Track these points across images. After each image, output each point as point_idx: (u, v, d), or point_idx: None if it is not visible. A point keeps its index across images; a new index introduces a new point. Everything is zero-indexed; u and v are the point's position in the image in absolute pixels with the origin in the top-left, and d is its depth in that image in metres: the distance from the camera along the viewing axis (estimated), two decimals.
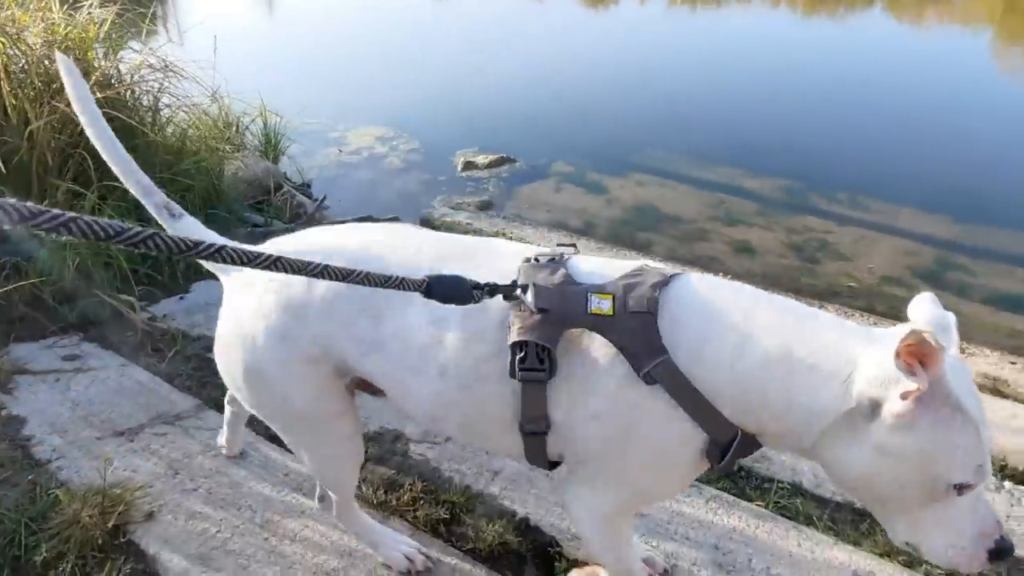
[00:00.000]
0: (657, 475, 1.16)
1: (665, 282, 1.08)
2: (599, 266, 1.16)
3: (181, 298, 2.88)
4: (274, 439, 1.99)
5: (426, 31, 10.24)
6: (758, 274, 3.80)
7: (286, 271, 0.82)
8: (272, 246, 1.26)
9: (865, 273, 3.84)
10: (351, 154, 5.50)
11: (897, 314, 3.41)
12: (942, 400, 0.93)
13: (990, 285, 3.74)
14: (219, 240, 1.24)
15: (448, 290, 1.00)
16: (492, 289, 1.04)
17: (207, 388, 2.25)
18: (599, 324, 1.06)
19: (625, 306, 1.05)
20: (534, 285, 1.07)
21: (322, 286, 1.18)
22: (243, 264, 0.79)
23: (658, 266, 1.16)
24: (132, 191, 1.30)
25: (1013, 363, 2.91)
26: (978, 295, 3.65)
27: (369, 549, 1.60)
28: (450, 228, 4.08)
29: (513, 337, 1.07)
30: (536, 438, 1.14)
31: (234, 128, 4.49)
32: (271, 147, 4.70)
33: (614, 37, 10.40)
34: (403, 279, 0.95)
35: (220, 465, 1.88)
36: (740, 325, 1.04)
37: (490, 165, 5.24)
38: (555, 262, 1.13)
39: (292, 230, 3.62)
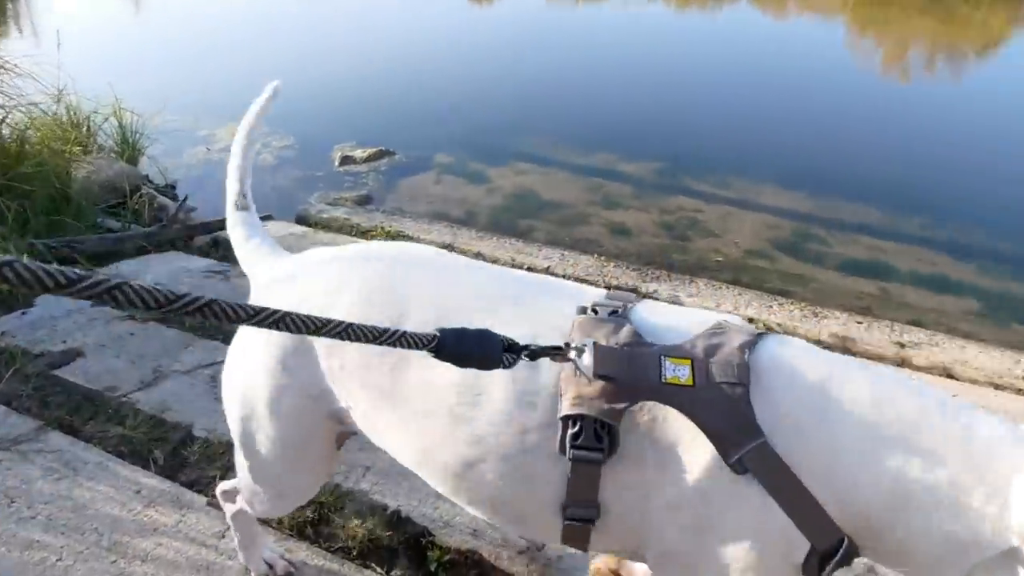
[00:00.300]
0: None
1: (753, 343, 0.89)
2: (670, 319, 0.96)
3: (23, 313, 2.64)
4: (124, 456, 1.87)
5: (298, 24, 9.90)
6: (633, 253, 3.93)
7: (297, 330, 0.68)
8: (268, 271, 1.17)
9: (732, 248, 4.06)
10: (220, 152, 5.24)
11: (760, 284, 3.63)
12: None
13: (840, 253, 4.04)
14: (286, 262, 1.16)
15: (468, 350, 0.77)
16: (534, 352, 0.83)
17: (50, 408, 2.08)
18: (675, 396, 0.85)
19: (708, 374, 0.85)
20: (594, 346, 0.85)
21: (337, 314, 0.98)
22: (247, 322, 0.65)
23: (738, 321, 0.96)
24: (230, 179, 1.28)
25: (859, 322, 3.15)
26: (830, 262, 3.94)
27: (229, 561, 1.53)
28: (327, 225, 3.97)
29: (565, 409, 0.87)
30: (580, 525, 0.93)
31: (83, 128, 4.17)
32: (128, 147, 4.40)
33: (492, 26, 10.45)
34: (403, 334, 0.74)
35: (63, 489, 1.74)
36: (866, 412, 0.83)
37: (369, 159, 5.14)
38: (618, 314, 0.93)
39: (152, 234, 3.42)
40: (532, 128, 5.92)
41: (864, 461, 0.81)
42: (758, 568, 0.86)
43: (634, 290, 3.31)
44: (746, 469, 0.82)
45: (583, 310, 0.95)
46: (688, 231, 4.25)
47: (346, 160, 5.11)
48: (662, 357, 0.87)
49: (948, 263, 3.95)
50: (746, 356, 0.86)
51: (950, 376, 2.80)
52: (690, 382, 0.85)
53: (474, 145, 5.51)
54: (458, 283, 1.03)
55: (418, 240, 3.75)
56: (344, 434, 1.17)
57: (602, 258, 3.64)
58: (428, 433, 0.98)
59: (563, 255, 3.68)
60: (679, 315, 0.99)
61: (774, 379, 0.86)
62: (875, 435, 0.82)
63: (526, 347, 0.82)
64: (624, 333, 0.90)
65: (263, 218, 4.33)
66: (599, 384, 0.86)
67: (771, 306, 3.24)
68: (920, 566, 0.83)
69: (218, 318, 0.62)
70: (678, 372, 0.85)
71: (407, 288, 1.01)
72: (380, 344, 0.73)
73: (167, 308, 0.58)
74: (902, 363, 2.86)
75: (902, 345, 2.96)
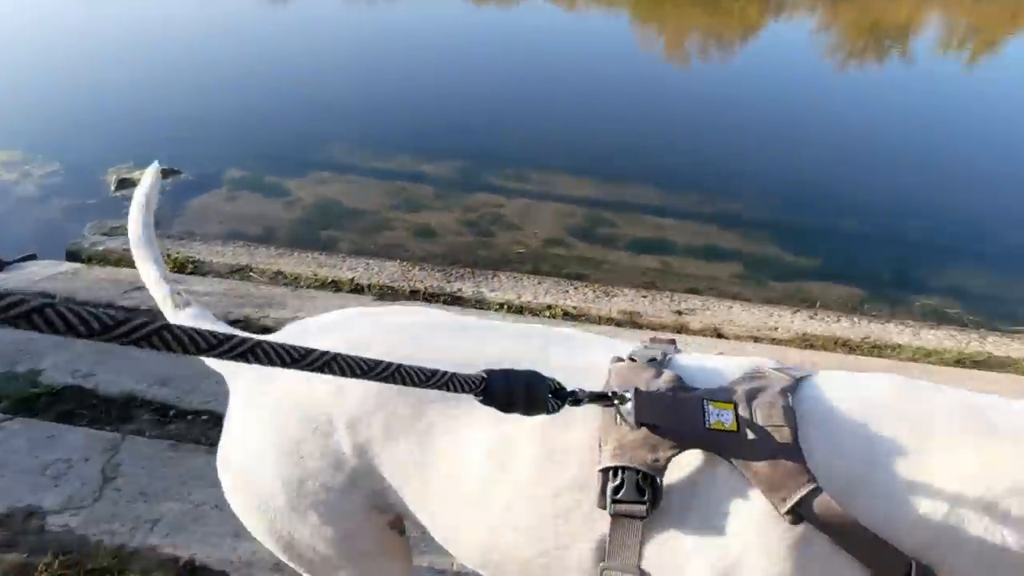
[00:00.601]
0: None
1: (794, 386, 0.85)
2: (708, 363, 0.93)
3: None
4: None
5: (58, 26, 8.87)
6: (439, 255, 4.00)
7: (343, 372, 0.63)
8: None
9: (532, 239, 4.27)
10: None
11: (559, 271, 3.85)
12: None
13: (628, 233, 4.40)
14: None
15: (515, 393, 0.74)
16: (577, 398, 0.79)
17: None
18: (720, 443, 0.80)
19: (751, 419, 0.81)
20: (636, 391, 0.82)
21: (356, 391, 0.92)
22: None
23: (771, 363, 0.92)
24: (147, 279, 1.12)
25: (644, 296, 3.46)
26: (619, 243, 4.28)
27: None
28: (104, 258, 3.63)
29: (606, 461, 0.82)
30: None
31: None
32: None
33: (283, 31, 10.04)
34: (452, 376, 0.71)
35: None
36: (915, 443, 0.80)
37: None
38: (657, 361, 0.90)
39: None
40: (331, 134, 5.79)
41: (916, 493, 0.78)
42: None
43: (443, 292, 3.39)
44: (802, 517, 0.77)
45: (619, 359, 0.91)
46: (492, 226, 4.40)
47: (124, 184, 4.68)
48: (705, 401, 0.83)
49: (717, 233, 4.43)
50: (789, 399, 0.83)
51: (720, 335, 3.16)
52: (734, 428, 0.81)
53: (269, 157, 5.28)
54: (483, 341, 0.97)
55: (211, 264, 3.55)
56: (399, 518, 1.04)
57: (407, 263, 3.67)
58: (457, 503, 0.92)
59: (367, 264, 3.66)
60: (717, 361, 0.95)
61: (820, 421, 0.82)
62: (921, 464, 0.79)
63: (572, 392, 0.78)
64: (664, 379, 0.86)
65: (24, 259, 3.90)
66: (642, 432, 0.81)
67: (567, 291, 3.45)
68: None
69: (261, 361, 0.58)
70: (723, 418, 0.81)
71: (430, 353, 0.92)
72: (429, 387, 0.70)
73: (213, 352, 0.55)
74: (680, 329, 3.18)
75: (680, 313, 3.29)
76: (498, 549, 0.92)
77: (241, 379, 1.02)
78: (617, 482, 0.81)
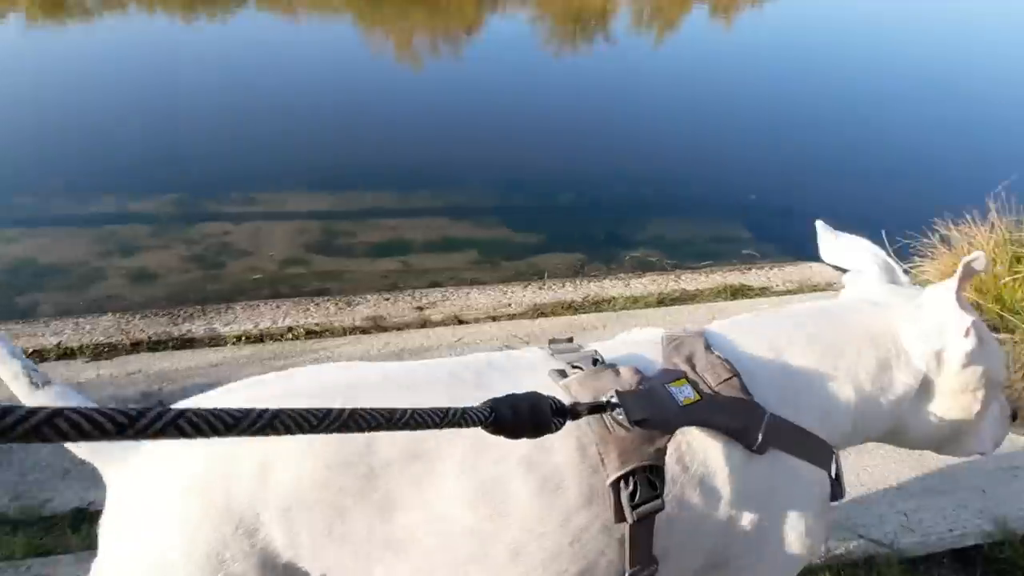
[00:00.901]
0: (806, 539, 0.99)
1: (707, 339, 1.00)
2: (630, 351, 1.00)
3: None
4: None
5: None
6: (163, 297, 3.70)
7: (308, 429, 0.54)
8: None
9: (267, 262, 4.12)
10: None
11: (300, 290, 3.76)
12: (978, 317, 1.02)
13: (366, 240, 4.43)
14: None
15: (521, 417, 0.71)
16: (576, 411, 0.78)
17: None
18: (694, 415, 0.90)
19: (704, 382, 0.93)
20: (619, 394, 0.85)
21: (287, 470, 0.80)
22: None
23: (661, 331, 1.05)
24: None
25: (387, 299, 3.52)
26: (359, 252, 4.30)
27: None
28: None
29: (614, 472, 0.85)
30: None
31: None
32: None
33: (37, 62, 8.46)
34: (463, 411, 0.66)
35: None
36: (816, 361, 1.01)
37: None
38: (599, 362, 0.95)
39: None
40: (6, 184, 5.03)
41: (828, 393, 1.00)
42: (816, 522, 0.99)
43: (171, 337, 3.14)
44: (768, 445, 0.91)
45: (561, 373, 0.94)
46: (220, 256, 4.16)
47: None
48: (665, 385, 0.91)
49: (451, 225, 4.66)
50: (716, 353, 0.96)
51: (461, 322, 3.33)
52: (698, 397, 0.90)
53: None
54: (418, 392, 0.90)
55: None
56: None
57: (124, 313, 3.34)
58: (455, 569, 0.85)
59: (76, 323, 3.27)
60: (631, 344, 1.04)
61: (748, 364, 0.97)
62: (821, 370, 1.01)
63: (572, 407, 0.78)
64: (626, 375, 0.92)
65: None
66: (636, 432, 0.86)
67: (308, 309, 3.39)
68: (872, 435, 1.09)
69: (290, 431, 0.52)
70: (685, 393, 0.90)
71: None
72: (443, 427, 0.64)
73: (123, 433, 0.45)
74: (423, 324, 3.30)
75: (421, 309, 3.40)
76: None
77: (127, 468, 0.83)
78: (630, 488, 0.85)
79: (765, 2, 17.15)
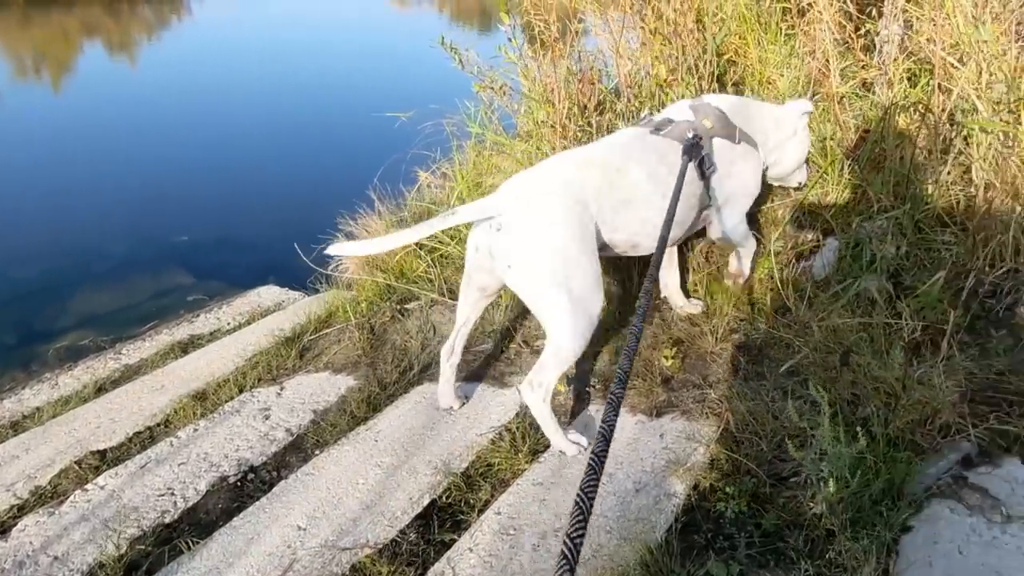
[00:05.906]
0: (755, 181, 2.50)
1: (708, 104, 2.43)
2: (683, 115, 2.40)
3: None
4: None
5: None
6: None
7: None
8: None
9: None
10: None
11: None
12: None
13: None
14: None
15: (696, 149, 2.25)
16: (695, 143, 2.27)
17: None
18: (712, 132, 2.34)
19: (712, 120, 2.35)
20: (693, 135, 2.28)
21: (593, 183, 2.08)
22: None
23: (681, 107, 2.46)
24: None
25: None
26: None
27: None
28: None
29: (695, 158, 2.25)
30: (703, 209, 2.41)
31: None
32: None
33: None
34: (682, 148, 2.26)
35: None
36: (754, 115, 2.51)
37: None
38: (672, 122, 2.37)
39: None
40: None
41: (761, 128, 2.51)
42: (756, 167, 2.50)
43: None
44: (740, 140, 2.41)
45: (658, 127, 2.35)
46: None
47: None
48: (701, 122, 2.36)
49: None
50: (715, 107, 2.41)
51: None
52: (712, 126, 2.36)
53: None
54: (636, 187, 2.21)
55: None
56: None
57: None
58: (643, 206, 2.15)
59: None
60: (681, 111, 2.42)
61: (725, 109, 2.42)
62: (757, 123, 2.52)
63: (691, 138, 2.28)
64: (684, 125, 2.35)
65: None
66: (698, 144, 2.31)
67: None
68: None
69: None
70: (707, 124, 2.36)
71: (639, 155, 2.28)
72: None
73: None
74: None
75: None
76: (651, 223, 2.14)
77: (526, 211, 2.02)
78: (700, 167, 2.29)
79: (163, 32, 16.54)
